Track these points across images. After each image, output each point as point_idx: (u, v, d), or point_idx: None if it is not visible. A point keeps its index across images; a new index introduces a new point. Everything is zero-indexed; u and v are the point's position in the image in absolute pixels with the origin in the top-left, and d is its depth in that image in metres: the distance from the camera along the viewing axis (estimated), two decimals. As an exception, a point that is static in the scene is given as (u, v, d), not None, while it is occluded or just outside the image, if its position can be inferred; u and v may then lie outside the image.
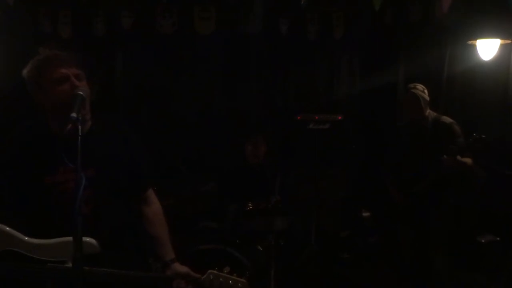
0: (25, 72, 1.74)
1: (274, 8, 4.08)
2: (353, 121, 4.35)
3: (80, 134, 1.48)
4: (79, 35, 4.06)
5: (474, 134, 2.82)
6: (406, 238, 3.30)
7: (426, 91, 3.17)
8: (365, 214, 4.07)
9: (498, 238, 3.52)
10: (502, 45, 3.40)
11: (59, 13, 4.02)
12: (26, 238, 1.68)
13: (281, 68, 4.41)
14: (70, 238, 1.54)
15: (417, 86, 3.16)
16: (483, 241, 3.51)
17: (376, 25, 4.18)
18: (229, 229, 3.31)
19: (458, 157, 2.87)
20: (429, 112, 3.16)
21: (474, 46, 3.46)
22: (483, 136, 2.78)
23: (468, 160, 2.92)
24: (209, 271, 1.83)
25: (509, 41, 3.40)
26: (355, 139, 4.33)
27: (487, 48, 3.38)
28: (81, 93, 1.61)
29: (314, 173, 3.71)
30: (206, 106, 4.28)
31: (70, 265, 1.63)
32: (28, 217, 1.76)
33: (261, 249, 3.22)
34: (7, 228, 1.69)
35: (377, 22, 4.16)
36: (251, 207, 3.17)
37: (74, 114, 1.49)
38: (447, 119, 3.14)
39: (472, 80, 3.64)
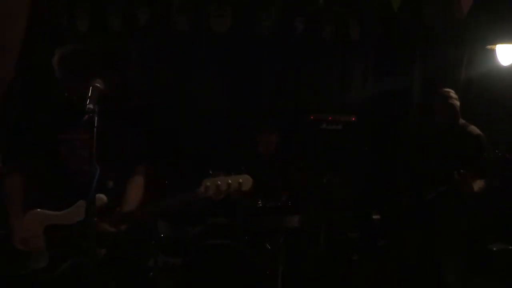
0: None
1: (289, 7, 4.07)
2: (366, 122, 4.32)
3: (95, 125, 1.49)
4: (95, 30, 4.11)
5: (497, 151, 2.68)
6: (411, 240, 3.26)
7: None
8: (375, 216, 4.04)
9: (510, 247, 3.47)
10: (521, 51, 3.34)
11: (78, 7, 4.07)
12: (55, 212, 1.93)
13: (294, 67, 4.39)
14: (80, 202, 1.85)
15: (452, 94, 3.06)
16: (494, 249, 3.46)
17: (392, 26, 4.15)
18: (238, 226, 3.31)
19: (471, 180, 2.74)
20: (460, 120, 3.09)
21: (493, 50, 3.41)
22: (508, 155, 2.62)
23: (479, 184, 2.81)
24: (203, 180, 1.85)
25: (529, 47, 3.34)
26: (367, 141, 4.30)
27: (506, 54, 3.33)
28: (98, 85, 1.63)
29: (324, 173, 3.69)
30: (218, 104, 4.29)
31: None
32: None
33: (269, 247, 3.22)
34: (39, 210, 1.94)
35: (393, 23, 4.13)
36: (260, 204, 3.17)
37: (90, 106, 1.52)
38: (475, 130, 3.05)
39: (489, 85, 3.58)
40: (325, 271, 3.69)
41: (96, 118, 1.51)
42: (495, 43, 3.34)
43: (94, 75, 1.74)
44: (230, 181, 1.84)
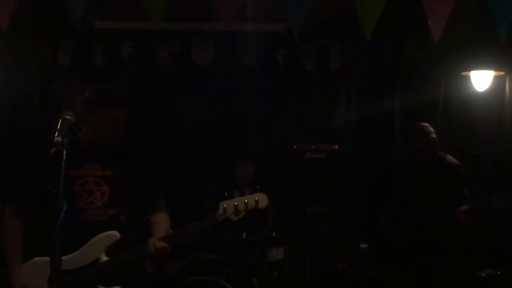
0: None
1: (270, 39, 4.15)
2: (350, 151, 4.33)
3: (64, 158, 1.46)
4: (78, 64, 4.12)
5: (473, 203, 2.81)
6: (405, 274, 3.21)
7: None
8: (363, 245, 3.97)
9: (498, 272, 3.42)
10: (496, 77, 3.42)
11: (60, 42, 4.10)
12: (63, 257, 1.85)
13: (278, 99, 4.42)
14: (92, 241, 1.88)
15: (431, 129, 3.08)
16: (483, 275, 3.40)
17: (373, 57, 4.24)
18: (223, 260, 3.22)
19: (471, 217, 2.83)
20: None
21: (468, 77, 3.48)
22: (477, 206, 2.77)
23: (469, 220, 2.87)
24: (220, 202, 1.94)
25: (502, 73, 3.42)
26: (352, 169, 4.29)
27: (481, 80, 3.40)
28: (69, 117, 1.61)
29: (309, 203, 3.65)
30: (204, 135, 4.28)
31: (105, 258, 1.91)
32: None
33: (256, 281, 3.13)
34: (38, 258, 1.92)
35: (374, 53, 4.22)
36: (244, 236, 3.10)
37: (59, 138, 1.48)
38: (452, 160, 3.08)
39: (467, 111, 3.64)
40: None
41: (65, 151, 1.48)
42: (470, 70, 3.42)
43: (122, 110, 1.92)
44: (246, 200, 1.91)
